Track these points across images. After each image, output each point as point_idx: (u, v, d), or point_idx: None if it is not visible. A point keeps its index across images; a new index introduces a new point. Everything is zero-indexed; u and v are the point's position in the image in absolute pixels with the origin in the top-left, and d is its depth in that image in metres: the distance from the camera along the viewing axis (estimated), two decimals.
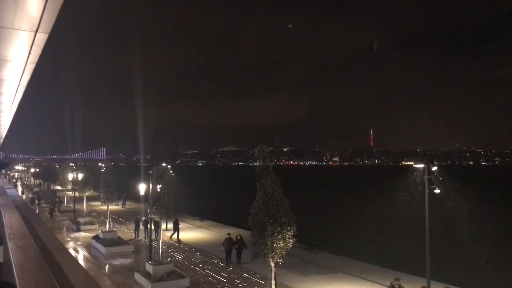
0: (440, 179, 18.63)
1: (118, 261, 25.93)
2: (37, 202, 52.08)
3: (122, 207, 52.44)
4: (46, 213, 42.83)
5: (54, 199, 51.94)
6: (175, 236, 32.35)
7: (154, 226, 31.74)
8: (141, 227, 33.23)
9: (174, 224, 32.51)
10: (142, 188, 28.44)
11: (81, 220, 37.80)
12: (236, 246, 24.80)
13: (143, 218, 33.12)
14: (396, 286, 16.81)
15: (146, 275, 20.83)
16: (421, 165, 18.67)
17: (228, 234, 25.97)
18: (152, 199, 22.28)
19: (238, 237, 24.94)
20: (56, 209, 46.10)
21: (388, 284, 18.77)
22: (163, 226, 30.83)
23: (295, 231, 15.16)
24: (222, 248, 25.32)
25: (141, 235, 33.08)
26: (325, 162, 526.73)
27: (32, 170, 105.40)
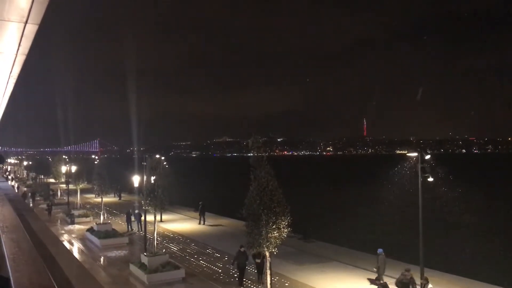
0: (435, 169, 18.74)
1: (113, 253, 25.95)
2: (30, 194, 51.66)
3: (119, 199, 52.45)
4: (44, 210, 42.15)
5: (48, 193, 51.72)
6: None
7: (136, 217, 32.23)
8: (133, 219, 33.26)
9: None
10: (136, 180, 28.41)
11: (75, 212, 37.76)
12: (258, 261, 19.49)
13: (136, 211, 33.15)
14: (408, 277, 16.96)
15: (142, 266, 20.87)
16: (415, 154, 18.77)
17: (241, 246, 19.41)
18: (146, 191, 22.25)
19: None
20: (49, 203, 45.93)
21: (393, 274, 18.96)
22: (158, 217, 30.87)
23: (289, 221, 15.21)
24: (232, 266, 21.16)
25: (134, 227, 33.05)
26: (318, 152, 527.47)
27: (25, 163, 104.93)
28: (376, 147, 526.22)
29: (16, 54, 8.41)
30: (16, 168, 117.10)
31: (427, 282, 16.71)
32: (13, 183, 78.72)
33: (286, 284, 19.70)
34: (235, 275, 20.50)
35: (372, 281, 19.68)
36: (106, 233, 28.80)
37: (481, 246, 33.46)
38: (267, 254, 15.58)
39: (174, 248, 27.21)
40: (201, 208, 36.33)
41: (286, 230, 15.19)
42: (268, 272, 15.95)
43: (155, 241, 22.67)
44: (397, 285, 17.07)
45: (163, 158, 29.03)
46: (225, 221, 36.73)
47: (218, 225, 35.38)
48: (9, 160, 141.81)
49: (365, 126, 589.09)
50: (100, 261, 24.50)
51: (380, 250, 19.66)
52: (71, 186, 46.36)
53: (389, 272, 20.51)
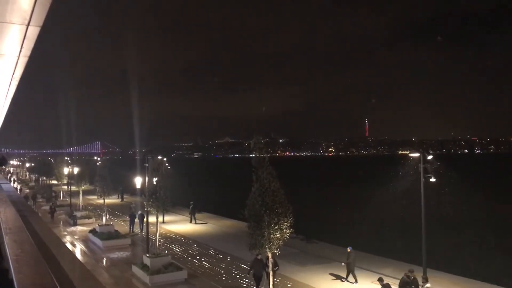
0: (435, 167, 18.71)
1: (115, 254, 25.96)
2: (31, 196, 51.57)
3: (121, 201, 52.45)
4: (48, 213, 41.89)
5: (51, 194, 51.75)
6: None
7: (139, 218, 32.37)
8: (136, 220, 33.32)
9: None
10: (138, 181, 28.43)
11: (78, 214, 37.78)
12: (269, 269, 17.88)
13: (139, 212, 33.19)
14: (411, 278, 16.97)
15: (144, 267, 20.88)
16: (417, 154, 18.75)
17: (258, 254, 17.89)
18: (148, 192, 22.25)
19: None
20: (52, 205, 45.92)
21: (378, 274, 18.94)
22: (160, 218, 30.93)
23: (291, 221, 15.18)
24: (248, 274, 19.58)
25: (136, 228, 33.10)
26: (320, 152, 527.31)
27: (27, 164, 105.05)
28: (378, 147, 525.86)
29: (18, 57, 8.42)
30: (18, 170, 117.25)
31: (426, 281, 16.71)
32: (15, 184, 78.82)
33: (289, 285, 19.69)
34: (247, 282, 20.45)
35: (339, 278, 20.59)
36: (109, 235, 28.83)
37: (483, 246, 33.39)
38: (270, 255, 15.57)
39: (176, 249, 27.22)
40: (192, 207, 37.54)
41: (288, 231, 15.16)
42: (271, 273, 15.94)
43: (158, 242, 22.67)
44: (400, 286, 17.05)
45: (165, 159, 29.07)
46: (227, 222, 36.71)
47: (206, 223, 36.72)
48: (11, 162, 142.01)
49: (367, 126, 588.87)
50: (102, 262, 24.52)
51: (350, 248, 20.61)
52: (73, 188, 46.44)
53: (391, 272, 20.55)
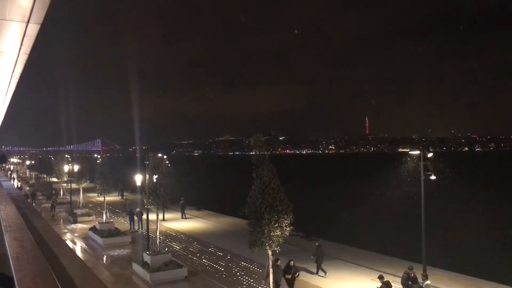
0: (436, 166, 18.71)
1: (115, 252, 25.99)
2: (30, 194, 51.50)
3: (122, 198, 52.40)
4: (49, 210, 41.49)
5: (51, 192, 51.72)
6: None
7: (138, 216, 32.41)
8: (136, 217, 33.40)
9: None
10: (138, 179, 28.43)
11: (78, 211, 37.79)
12: (288, 276, 17.90)
13: (138, 209, 33.24)
14: (411, 275, 16.99)
15: (144, 265, 20.89)
16: (417, 152, 18.74)
17: (277, 260, 17.14)
18: (148, 190, 22.24)
19: (291, 263, 18.09)
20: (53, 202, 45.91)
21: (382, 271, 18.95)
22: (160, 216, 30.93)
23: (291, 219, 15.17)
24: (263, 281, 18.45)
25: (135, 226, 33.15)
26: (321, 150, 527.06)
27: (28, 162, 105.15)
28: (378, 145, 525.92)
29: (18, 54, 8.41)
30: (18, 168, 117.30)
31: (426, 278, 16.74)
32: (15, 182, 78.82)
33: None
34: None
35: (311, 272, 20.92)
36: (109, 232, 28.85)
37: (482, 243, 33.41)
38: (270, 252, 15.56)
39: (176, 246, 27.24)
40: (182, 203, 38.56)
41: (288, 229, 15.15)
42: (271, 270, 15.94)
43: (158, 240, 22.68)
44: (402, 284, 17.09)
45: (165, 157, 29.07)
46: (228, 220, 36.72)
47: (192, 218, 38.01)
48: (12, 160, 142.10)
49: (367, 124, 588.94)
50: (103, 260, 24.54)
51: (318, 243, 21.84)
52: (73, 185, 46.45)
53: (391, 270, 20.58)
